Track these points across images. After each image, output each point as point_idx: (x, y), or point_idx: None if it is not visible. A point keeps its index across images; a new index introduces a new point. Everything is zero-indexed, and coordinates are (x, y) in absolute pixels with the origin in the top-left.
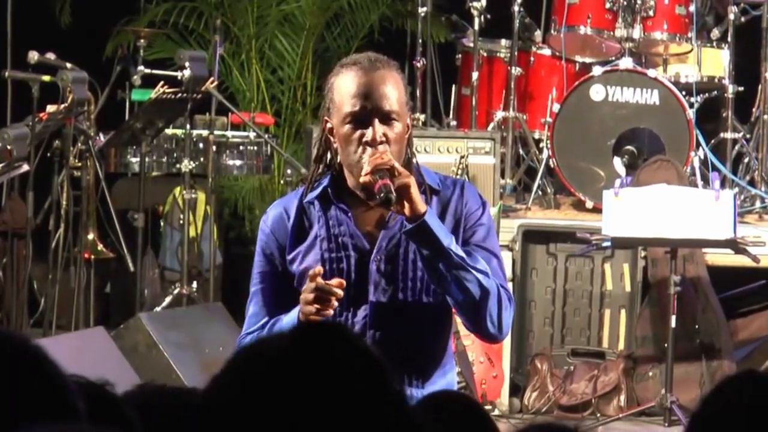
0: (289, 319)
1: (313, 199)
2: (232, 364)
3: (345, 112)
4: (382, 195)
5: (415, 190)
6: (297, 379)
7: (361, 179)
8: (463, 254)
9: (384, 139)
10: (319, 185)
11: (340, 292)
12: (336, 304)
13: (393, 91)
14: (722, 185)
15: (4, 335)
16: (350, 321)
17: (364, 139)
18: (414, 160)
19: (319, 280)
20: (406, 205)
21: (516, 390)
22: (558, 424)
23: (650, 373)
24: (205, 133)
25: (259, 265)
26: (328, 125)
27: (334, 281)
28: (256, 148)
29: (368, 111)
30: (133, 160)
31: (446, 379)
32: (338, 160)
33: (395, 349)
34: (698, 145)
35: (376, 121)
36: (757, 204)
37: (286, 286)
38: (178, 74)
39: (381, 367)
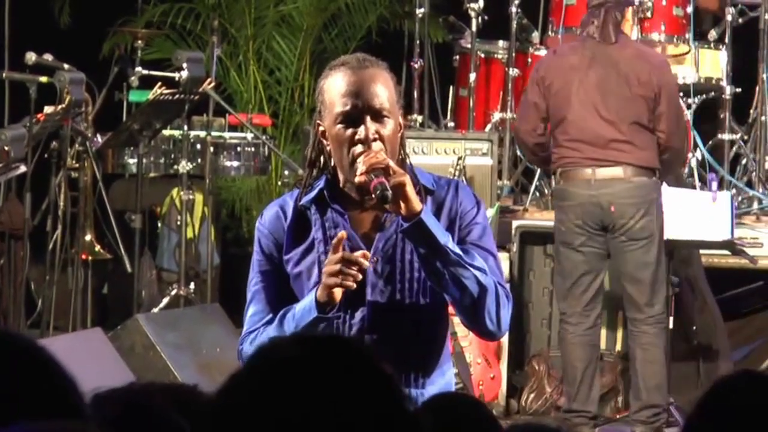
0: (303, 306)
1: (309, 203)
2: (247, 369)
3: (336, 112)
4: (378, 193)
5: (410, 189)
6: (308, 391)
7: (357, 179)
8: (460, 252)
9: (376, 136)
10: (314, 188)
11: (366, 263)
12: (360, 276)
13: (383, 90)
14: (720, 186)
15: (9, 336)
16: (347, 322)
17: (357, 137)
18: (408, 161)
19: (344, 252)
20: (402, 203)
21: (513, 391)
22: (537, 424)
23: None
24: (202, 134)
25: (258, 264)
26: (321, 128)
27: (359, 253)
28: (253, 149)
29: (359, 109)
30: (131, 161)
31: (445, 378)
32: (332, 163)
33: (393, 350)
34: (696, 146)
35: (368, 118)
36: (755, 205)
37: (287, 285)
38: (176, 75)
39: (392, 382)
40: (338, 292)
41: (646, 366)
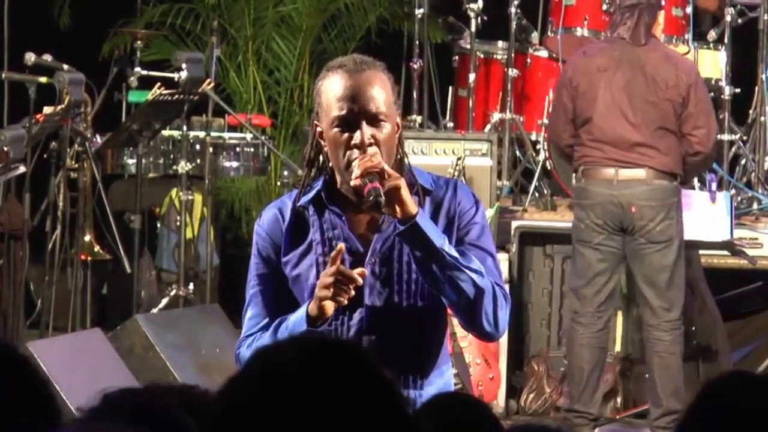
0: (296, 317)
1: (307, 203)
2: (246, 371)
3: (333, 116)
4: (371, 198)
5: (405, 192)
6: (306, 394)
7: (351, 183)
8: (456, 254)
9: (372, 141)
10: (312, 189)
11: (360, 280)
12: (353, 293)
13: (380, 93)
14: (719, 187)
15: None
16: (345, 324)
17: (353, 142)
18: (406, 161)
19: (341, 266)
20: (397, 207)
21: (513, 392)
22: (537, 425)
23: (647, 375)
24: (201, 134)
25: (256, 267)
26: (318, 129)
27: (358, 270)
28: (252, 149)
29: (355, 114)
30: (130, 161)
31: (444, 379)
32: (330, 164)
33: (392, 352)
34: None
35: (364, 123)
36: (754, 206)
37: (285, 288)
38: (175, 76)
39: (390, 384)
40: (329, 307)
41: (661, 373)
